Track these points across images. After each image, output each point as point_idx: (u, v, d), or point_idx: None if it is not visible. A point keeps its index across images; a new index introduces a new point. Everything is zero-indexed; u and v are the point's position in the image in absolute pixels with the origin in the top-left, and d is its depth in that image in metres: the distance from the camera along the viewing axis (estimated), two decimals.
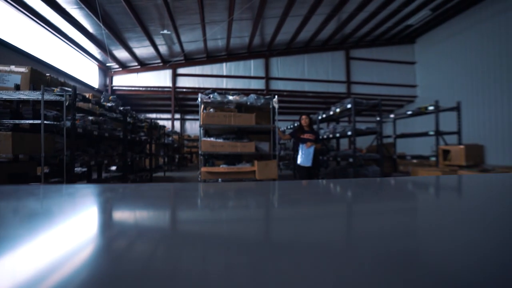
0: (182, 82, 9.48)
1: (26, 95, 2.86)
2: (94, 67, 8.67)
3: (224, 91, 4.08)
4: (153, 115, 10.61)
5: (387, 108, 10.38)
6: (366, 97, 8.11)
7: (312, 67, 10.11)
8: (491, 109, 7.26)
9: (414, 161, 5.78)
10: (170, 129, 8.90)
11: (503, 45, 6.98)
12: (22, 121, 2.88)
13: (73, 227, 0.28)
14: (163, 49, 8.31)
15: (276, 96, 3.85)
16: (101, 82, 9.01)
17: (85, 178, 4.25)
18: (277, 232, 0.27)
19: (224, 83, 9.67)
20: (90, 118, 3.88)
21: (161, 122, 9.30)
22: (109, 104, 4.24)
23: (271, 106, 3.88)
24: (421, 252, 0.20)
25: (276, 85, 9.91)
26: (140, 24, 6.46)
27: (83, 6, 5.39)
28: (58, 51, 6.68)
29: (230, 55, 9.52)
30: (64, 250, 0.20)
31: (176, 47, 8.20)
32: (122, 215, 0.36)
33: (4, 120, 2.80)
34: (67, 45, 7.02)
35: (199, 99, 3.69)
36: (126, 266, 0.17)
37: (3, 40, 4.90)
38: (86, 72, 8.18)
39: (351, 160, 4.73)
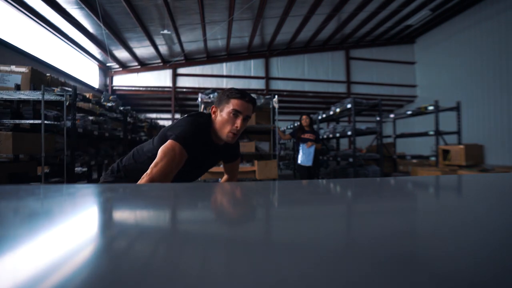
0: (182, 82, 9.47)
1: (26, 95, 2.87)
2: (94, 67, 8.67)
3: None
4: (153, 115, 10.60)
5: (387, 108, 10.37)
6: (366, 97, 8.13)
7: (312, 67, 10.10)
8: (491, 109, 7.25)
9: (414, 161, 5.78)
10: None
11: (503, 44, 6.97)
12: (23, 121, 2.88)
13: (73, 227, 0.28)
14: (163, 49, 8.30)
15: (276, 96, 3.85)
16: (101, 82, 9.00)
17: (85, 178, 4.25)
18: (277, 232, 0.27)
19: (224, 83, 9.66)
20: (91, 118, 3.88)
21: (161, 122, 9.31)
22: (109, 104, 4.24)
23: (271, 106, 3.88)
24: (422, 253, 0.20)
25: (276, 85, 9.90)
26: (140, 24, 6.45)
27: (83, 6, 5.39)
28: (59, 51, 6.68)
29: (230, 55, 9.51)
30: (64, 250, 0.20)
31: (176, 47, 8.19)
32: (122, 215, 0.36)
33: (5, 120, 2.80)
34: (67, 45, 7.02)
35: (199, 99, 3.69)
36: (126, 266, 0.17)
37: (3, 40, 4.90)
38: (86, 72, 8.18)
39: (351, 160, 4.73)
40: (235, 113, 1.04)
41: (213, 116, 1.09)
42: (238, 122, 1.04)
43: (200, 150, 1.05)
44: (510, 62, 6.80)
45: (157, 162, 0.92)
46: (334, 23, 8.23)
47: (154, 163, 0.93)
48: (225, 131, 1.05)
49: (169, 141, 0.96)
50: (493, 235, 0.24)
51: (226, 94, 1.05)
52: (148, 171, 0.91)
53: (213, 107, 1.09)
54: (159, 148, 0.97)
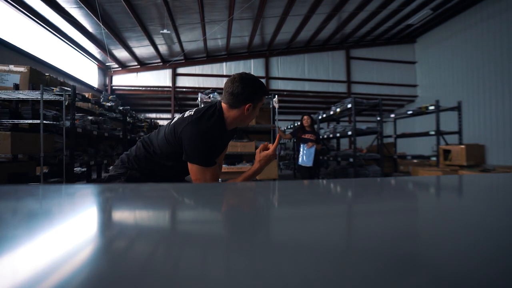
0: (182, 82, 9.47)
1: (25, 94, 2.86)
2: (93, 67, 8.66)
3: None
4: (153, 115, 10.59)
5: (387, 108, 10.36)
6: (367, 97, 8.13)
7: (313, 67, 10.10)
8: (492, 108, 7.25)
9: (415, 161, 5.78)
10: None
11: (504, 44, 6.96)
12: (21, 121, 2.87)
13: (72, 227, 0.28)
14: (163, 48, 8.30)
15: (276, 96, 3.85)
16: (100, 81, 9.00)
17: (85, 178, 4.25)
18: (277, 232, 0.27)
19: (224, 83, 9.67)
20: (90, 117, 3.88)
21: (161, 122, 9.30)
22: (108, 104, 4.24)
23: (271, 106, 3.87)
24: (422, 254, 0.20)
25: (276, 85, 9.90)
26: (139, 24, 6.45)
27: (82, 5, 5.38)
28: (58, 50, 6.68)
29: (230, 54, 9.51)
30: (63, 251, 0.19)
31: (176, 47, 8.19)
32: (122, 215, 0.36)
33: (3, 120, 2.79)
34: (66, 44, 7.02)
35: (199, 99, 3.68)
36: (126, 266, 0.17)
37: (2, 39, 4.89)
38: (86, 71, 8.17)
39: (351, 160, 4.73)
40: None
41: (245, 112, 1.16)
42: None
43: (219, 142, 1.17)
44: None
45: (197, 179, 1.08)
46: (334, 23, 8.23)
47: (193, 179, 1.09)
48: (248, 122, 1.22)
49: (196, 167, 1.06)
50: (495, 235, 0.24)
51: (260, 92, 1.17)
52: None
53: (250, 105, 1.15)
54: (174, 145, 1.08)
